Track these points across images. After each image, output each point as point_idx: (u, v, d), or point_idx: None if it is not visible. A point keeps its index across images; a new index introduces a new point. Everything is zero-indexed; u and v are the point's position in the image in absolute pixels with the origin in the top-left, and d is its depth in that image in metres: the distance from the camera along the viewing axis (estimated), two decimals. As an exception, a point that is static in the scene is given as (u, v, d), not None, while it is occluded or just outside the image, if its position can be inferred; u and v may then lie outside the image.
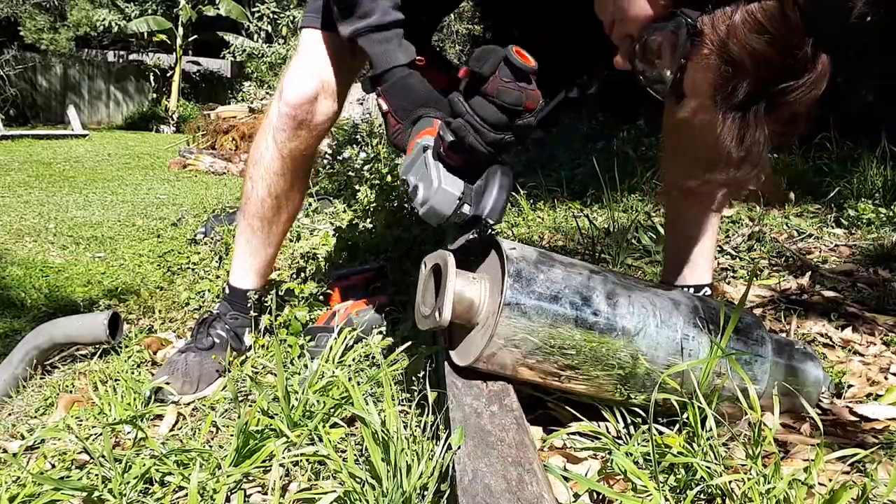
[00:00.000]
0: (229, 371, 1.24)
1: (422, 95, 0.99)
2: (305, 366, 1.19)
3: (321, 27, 1.18)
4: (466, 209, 0.89)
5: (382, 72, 1.00)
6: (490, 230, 0.90)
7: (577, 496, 0.79)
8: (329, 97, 1.20)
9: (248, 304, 1.34)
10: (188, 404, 1.17)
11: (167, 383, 1.18)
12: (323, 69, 1.19)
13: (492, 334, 0.83)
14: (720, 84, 0.73)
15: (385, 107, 1.01)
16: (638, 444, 0.84)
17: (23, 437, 1.06)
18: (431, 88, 1.00)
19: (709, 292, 1.22)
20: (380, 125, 5.76)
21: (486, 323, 0.88)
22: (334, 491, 0.78)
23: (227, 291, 1.37)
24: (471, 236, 0.91)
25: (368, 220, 2.19)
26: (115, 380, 1.25)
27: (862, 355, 1.25)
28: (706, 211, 1.25)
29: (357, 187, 3.06)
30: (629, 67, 0.83)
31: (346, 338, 1.15)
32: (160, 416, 1.12)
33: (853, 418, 1.01)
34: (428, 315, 0.90)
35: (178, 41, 15.09)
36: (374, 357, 1.18)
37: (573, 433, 0.91)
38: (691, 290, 1.21)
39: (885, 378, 1.15)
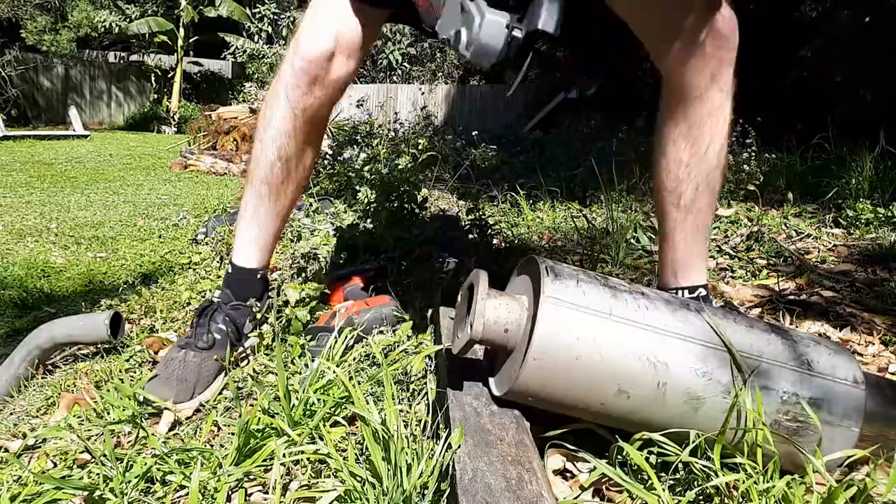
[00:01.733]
0: (229, 370, 1.22)
1: None
2: (306, 365, 1.20)
3: None
4: (518, 32, 0.79)
5: None
6: (551, 40, 0.79)
7: (582, 488, 0.79)
8: (344, 53, 1.14)
9: (254, 289, 1.27)
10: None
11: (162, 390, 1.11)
12: (341, 21, 1.13)
13: (518, 373, 0.78)
14: None
15: (424, 2, 0.94)
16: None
17: (24, 437, 1.06)
18: None
19: (703, 293, 1.21)
20: (380, 125, 5.75)
21: (521, 349, 0.82)
22: (335, 490, 0.78)
23: (229, 271, 1.29)
24: (528, 64, 0.82)
25: (369, 221, 2.19)
26: (119, 379, 1.26)
27: (860, 355, 1.26)
28: (696, 202, 1.20)
29: (357, 188, 3.07)
30: None
31: (346, 337, 1.16)
32: (158, 414, 1.12)
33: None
34: (461, 337, 0.85)
35: (180, 42, 15.11)
36: (374, 357, 1.18)
37: (574, 431, 0.91)
38: (686, 292, 1.20)
39: (884, 377, 1.15)
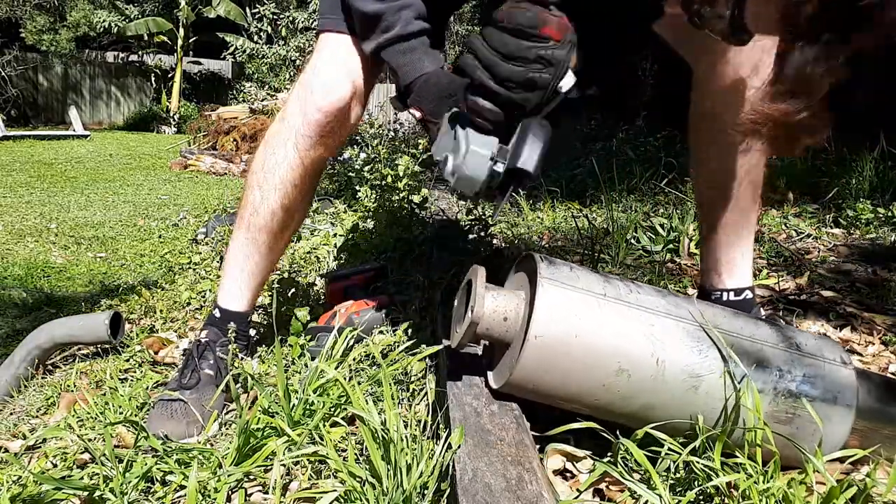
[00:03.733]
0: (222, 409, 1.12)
1: (448, 85, 0.92)
2: (306, 365, 1.20)
3: (348, 30, 1.09)
4: (500, 167, 0.81)
5: (410, 83, 0.95)
6: (529, 183, 0.81)
7: (580, 490, 0.79)
8: (359, 102, 1.12)
9: (244, 330, 1.23)
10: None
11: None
12: (355, 72, 1.10)
13: (519, 357, 0.79)
14: (785, 13, 0.62)
15: (418, 114, 0.95)
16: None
17: (24, 437, 1.06)
18: (457, 77, 0.91)
19: (750, 296, 1.17)
20: (380, 126, 5.76)
21: (520, 337, 0.82)
22: (335, 490, 0.78)
23: (216, 315, 1.22)
24: (509, 196, 0.83)
25: (369, 221, 2.19)
26: (122, 379, 1.26)
27: (860, 355, 1.26)
28: (739, 199, 1.15)
29: (357, 188, 3.07)
30: (681, 11, 0.73)
31: (346, 337, 1.16)
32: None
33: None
34: (460, 330, 0.85)
35: (179, 42, 15.11)
36: (374, 357, 1.18)
37: (573, 431, 0.91)
38: (731, 294, 1.17)
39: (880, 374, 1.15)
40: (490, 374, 0.91)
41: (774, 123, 0.67)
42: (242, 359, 1.23)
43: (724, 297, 1.18)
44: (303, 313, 1.35)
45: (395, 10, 0.95)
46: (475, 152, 0.81)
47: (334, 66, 1.10)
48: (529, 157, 0.79)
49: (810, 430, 0.81)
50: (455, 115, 0.87)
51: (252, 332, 1.31)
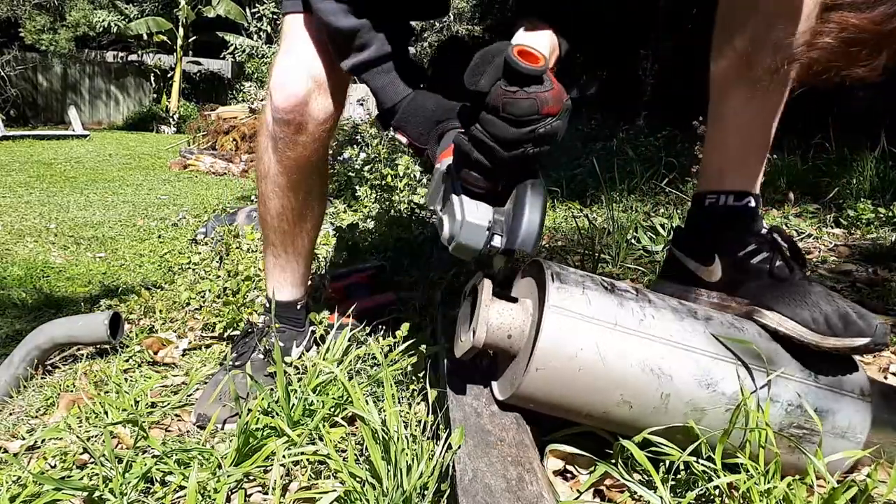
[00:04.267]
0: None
1: (435, 111, 0.90)
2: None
3: (303, 9, 1.03)
4: (497, 241, 0.79)
5: (392, 106, 0.93)
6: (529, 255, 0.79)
7: (580, 492, 0.79)
8: (323, 94, 1.05)
9: (297, 315, 1.26)
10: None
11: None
12: (312, 63, 1.04)
13: (526, 370, 0.77)
14: None
15: (404, 139, 0.93)
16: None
17: (24, 437, 1.06)
18: (442, 100, 0.90)
19: (752, 203, 0.99)
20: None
21: (524, 355, 0.82)
22: (335, 490, 0.78)
23: (266, 305, 1.28)
24: (504, 265, 0.82)
25: (369, 220, 2.19)
26: (126, 378, 1.25)
27: (860, 355, 1.26)
28: (761, 96, 0.98)
29: (357, 188, 3.07)
30: None
31: (346, 337, 1.16)
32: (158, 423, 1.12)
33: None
34: (464, 341, 0.84)
35: (179, 42, 15.10)
36: (374, 356, 1.18)
37: (573, 432, 0.91)
38: (731, 197, 0.99)
39: (885, 378, 1.15)
40: (494, 385, 0.90)
41: (860, 37, 0.56)
42: (281, 344, 1.24)
43: (721, 202, 1.00)
44: (323, 314, 1.35)
45: (369, 27, 0.92)
46: (471, 224, 0.79)
47: (289, 56, 1.06)
48: (527, 237, 0.76)
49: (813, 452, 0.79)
50: (449, 170, 0.84)
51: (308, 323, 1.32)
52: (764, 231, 0.98)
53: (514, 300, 0.86)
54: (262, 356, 1.19)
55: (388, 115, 0.94)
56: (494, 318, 0.82)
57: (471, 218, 0.79)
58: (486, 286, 0.82)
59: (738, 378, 0.80)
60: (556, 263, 0.86)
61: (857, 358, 0.89)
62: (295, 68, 1.04)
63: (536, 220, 0.77)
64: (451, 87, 0.88)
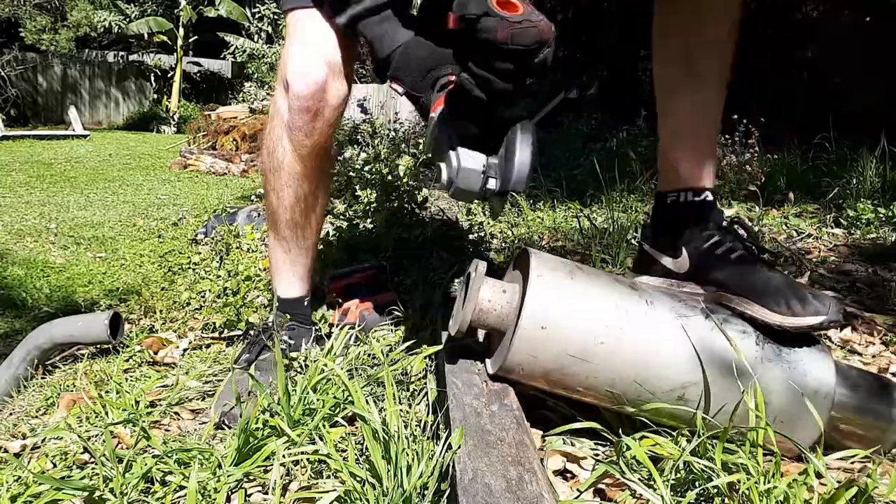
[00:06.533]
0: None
1: (427, 59, 0.91)
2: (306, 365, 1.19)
3: (313, 4, 1.08)
4: (492, 183, 0.85)
5: (387, 55, 0.93)
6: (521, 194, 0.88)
7: (580, 492, 0.79)
8: (338, 78, 1.10)
9: (305, 311, 1.28)
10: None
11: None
12: (327, 49, 1.08)
13: (511, 344, 0.84)
14: None
15: (400, 89, 0.94)
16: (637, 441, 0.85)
17: (24, 437, 1.06)
18: (436, 48, 0.91)
19: (710, 197, 1.07)
20: (381, 125, 5.75)
21: (511, 331, 0.88)
22: (335, 490, 0.78)
23: (275, 304, 1.29)
24: (501, 206, 0.89)
25: (369, 221, 2.19)
26: (126, 378, 1.25)
27: (861, 355, 1.26)
28: (704, 93, 1.06)
29: (357, 188, 3.07)
30: None
31: (346, 336, 1.16)
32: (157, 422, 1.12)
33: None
34: (457, 317, 0.91)
35: (179, 42, 15.10)
36: (374, 356, 1.18)
37: (573, 432, 0.91)
38: (690, 193, 1.07)
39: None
40: (488, 362, 0.96)
41: None
42: (291, 342, 1.26)
43: (682, 199, 1.09)
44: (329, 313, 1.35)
45: None
46: (467, 169, 0.85)
47: (304, 48, 1.09)
48: (519, 178, 0.83)
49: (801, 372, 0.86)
50: (442, 119, 0.88)
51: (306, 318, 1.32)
52: (724, 223, 1.06)
53: (504, 282, 0.94)
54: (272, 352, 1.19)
55: (384, 67, 0.96)
56: (486, 294, 0.90)
57: (466, 164, 0.85)
58: (480, 268, 0.89)
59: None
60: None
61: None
62: (312, 56, 1.08)
63: (527, 161, 0.83)
64: (441, 31, 0.89)
